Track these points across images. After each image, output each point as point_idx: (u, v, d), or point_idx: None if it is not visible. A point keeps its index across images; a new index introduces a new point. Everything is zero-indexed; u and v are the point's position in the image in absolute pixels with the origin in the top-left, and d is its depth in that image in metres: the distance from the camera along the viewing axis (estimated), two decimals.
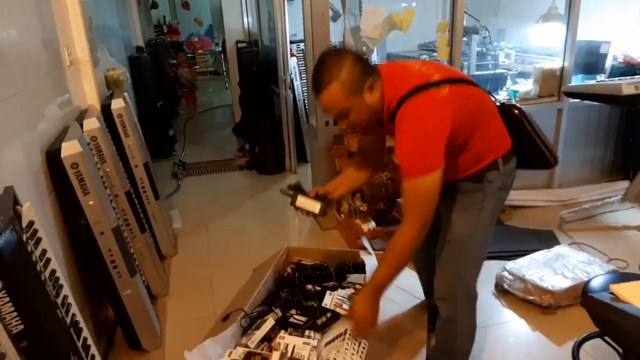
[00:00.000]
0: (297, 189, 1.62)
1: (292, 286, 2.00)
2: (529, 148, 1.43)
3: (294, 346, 1.50)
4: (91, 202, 1.65)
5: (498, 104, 1.46)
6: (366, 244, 2.08)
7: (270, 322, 1.63)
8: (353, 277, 2.07)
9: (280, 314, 1.79)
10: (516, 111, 1.43)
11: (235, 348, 1.54)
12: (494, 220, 1.47)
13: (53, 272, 1.21)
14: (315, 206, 1.58)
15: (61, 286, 1.24)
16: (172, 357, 1.93)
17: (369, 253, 2.07)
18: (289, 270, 2.18)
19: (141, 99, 4.47)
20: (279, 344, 1.52)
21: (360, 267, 2.12)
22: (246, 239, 3.00)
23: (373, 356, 1.54)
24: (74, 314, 1.27)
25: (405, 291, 1.94)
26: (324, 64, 1.31)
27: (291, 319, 1.74)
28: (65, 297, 1.25)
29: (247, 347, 1.54)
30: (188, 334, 2.05)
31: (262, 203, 3.63)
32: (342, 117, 1.36)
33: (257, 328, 1.63)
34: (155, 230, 2.65)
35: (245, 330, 1.68)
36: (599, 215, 3.02)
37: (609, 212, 3.02)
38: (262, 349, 1.54)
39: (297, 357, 1.46)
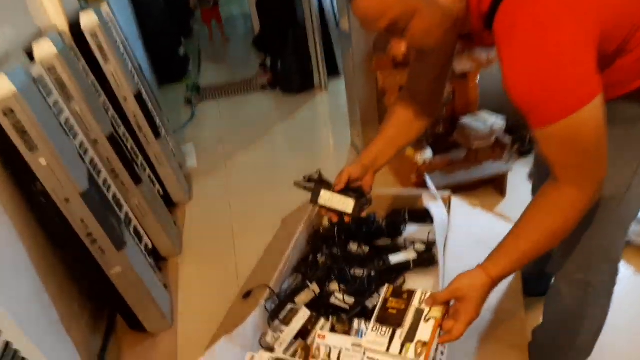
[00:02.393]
0: (319, 182, 1.17)
1: (331, 245, 1.56)
2: None
3: (340, 351, 1.08)
4: (43, 162, 1.21)
5: None
6: (429, 183, 1.58)
7: (304, 313, 1.21)
8: (410, 231, 1.60)
9: (317, 290, 1.37)
10: None
11: (258, 352, 1.14)
12: None
13: None
14: (346, 204, 1.13)
15: None
16: (186, 340, 1.57)
17: (433, 196, 1.58)
18: (325, 223, 1.74)
19: (142, 13, 3.90)
20: (319, 347, 1.10)
21: (418, 215, 1.65)
22: (273, 178, 2.55)
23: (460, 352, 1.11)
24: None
25: None
26: None
27: (332, 299, 1.32)
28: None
29: (272, 349, 1.14)
30: (205, 308, 1.69)
31: (289, 131, 3.13)
32: (397, 30, 0.82)
33: (286, 321, 1.21)
34: (161, 175, 2.24)
35: (273, 316, 1.28)
36: None
37: None
38: (296, 352, 1.14)
39: None
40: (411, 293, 0.94)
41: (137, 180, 1.81)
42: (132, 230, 1.67)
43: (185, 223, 2.22)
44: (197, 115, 3.52)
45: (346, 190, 1.14)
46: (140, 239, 1.73)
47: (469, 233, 1.50)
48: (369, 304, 1.28)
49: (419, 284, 1.34)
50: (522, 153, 2.31)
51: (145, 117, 2.14)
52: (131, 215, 1.73)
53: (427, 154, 2.06)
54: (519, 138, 2.30)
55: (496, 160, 2.03)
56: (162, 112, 2.67)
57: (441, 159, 2.05)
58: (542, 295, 1.39)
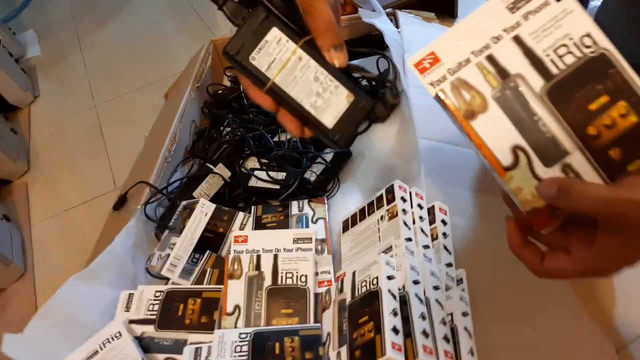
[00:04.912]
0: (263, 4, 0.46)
1: (238, 110, 1.07)
2: None
3: (276, 257, 0.64)
4: None
5: None
6: None
7: (203, 208, 0.74)
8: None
9: (227, 173, 0.89)
10: None
11: (137, 288, 0.67)
12: None
13: None
14: (326, 99, 0.47)
15: None
16: (48, 287, 1.08)
17: (372, 11, 1.10)
18: (227, 82, 1.23)
19: None
20: (238, 257, 0.65)
21: (353, 47, 1.17)
22: (147, 50, 1.93)
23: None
24: None
25: None
26: None
27: (252, 181, 0.86)
28: None
29: (164, 278, 0.68)
30: (72, 238, 1.19)
31: None
32: None
33: (180, 228, 0.74)
34: None
35: (161, 226, 0.81)
36: None
37: None
38: (202, 272, 0.68)
39: (290, 285, 0.61)
40: None
41: None
42: None
43: (31, 129, 1.61)
44: None
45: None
46: None
47: None
48: (310, 176, 0.83)
49: (381, 134, 0.90)
50: None
51: None
52: None
53: None
54: None
55: None
56: None
57: None
58: None
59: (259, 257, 0.64)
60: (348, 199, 0.79)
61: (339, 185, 0.81)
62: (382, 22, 1.03)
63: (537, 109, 0.40)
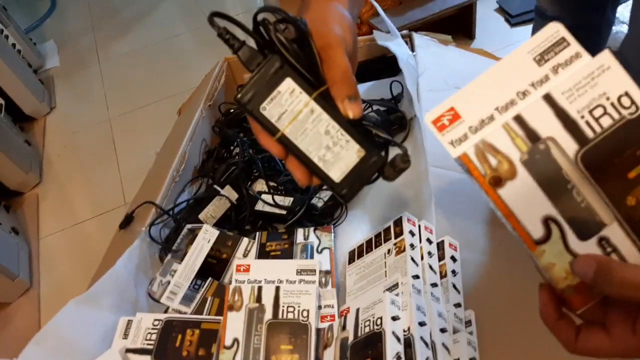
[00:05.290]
0: (285, 47, 0.44)
1: (249, 130, 1.06)
2: None
3: (278, 290, 0.62)
4: None
5: None
6: (381, 12, 1.08)
7: (206, 235, 0.72)
8: (361, 92, 1.11)
9: (234, 195, 0.88)
10: None
11: (136, 315, 0.66)
12: None
13: None
14: (336, 153, 0.46)
15: None
16: (53, 305, 1.07)
17: (388, 33, 1.09)
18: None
19: None
20: (239, 289, 0.63)
21: (367, 71, 1.15)
22: (164, 63, 1.94)
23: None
24: None
25: None
26: None
27: (259, 205, 0.84)
28: None
29: (162, 305, 0.67)
30: (82, 254, 1.18)
31: (180, 2, 2.45)
32: None
33: (182, 253, 0.73)
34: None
35: (166, 248, 0.80)
36: None
37: None
38: (203, 300, 0.66)
39: (291, 320, 0.59)
40: None
41: None
42: None
43: (45, 141, 1.62)
44: (60, 7, 2.73)
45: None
46: None
47: (444, 77, 1.04)
48: (317, 202, 0.81)
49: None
50: None
51: None
52: None
53: None
54: None
55: None
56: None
57: None
58: None
59: (260, 288, 0.62)
60: (355, 227, 0.76)
61: (347, 213, 0.79)
62: (396, 45, 1.01)
63: (571, 176, 0.37)
